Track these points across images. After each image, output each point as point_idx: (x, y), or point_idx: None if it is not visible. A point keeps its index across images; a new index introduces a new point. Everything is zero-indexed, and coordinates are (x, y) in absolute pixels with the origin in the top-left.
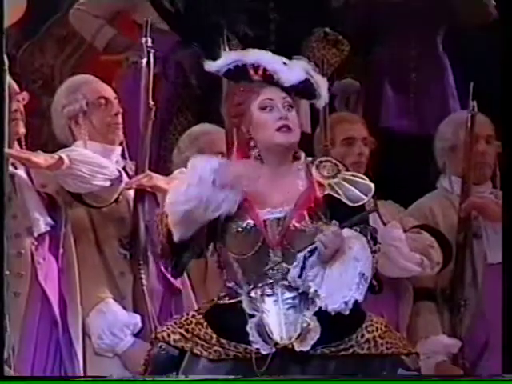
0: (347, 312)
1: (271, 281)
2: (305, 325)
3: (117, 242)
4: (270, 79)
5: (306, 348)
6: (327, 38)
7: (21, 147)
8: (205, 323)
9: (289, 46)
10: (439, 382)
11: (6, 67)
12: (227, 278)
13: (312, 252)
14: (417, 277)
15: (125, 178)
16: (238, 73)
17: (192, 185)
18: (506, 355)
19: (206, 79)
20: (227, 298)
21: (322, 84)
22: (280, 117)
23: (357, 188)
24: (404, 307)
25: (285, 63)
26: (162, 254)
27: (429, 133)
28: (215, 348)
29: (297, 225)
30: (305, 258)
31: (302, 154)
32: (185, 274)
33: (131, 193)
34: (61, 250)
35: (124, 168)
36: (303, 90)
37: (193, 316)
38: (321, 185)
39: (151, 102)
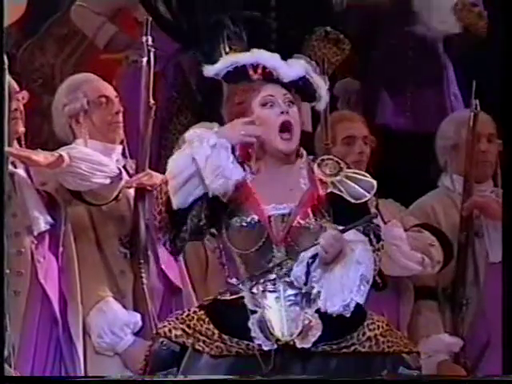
0: (348, 315)
1: (273, 277)
2: (306, 322)
3: (117, 240)
4: (269, 76)
5: (307, 345)
6: (328, 37)
7: (20, 146)
8: (206, 319)
9: (290, 45)
10: (439, 382)
11: (6, 66)
12: (229, 274)
13: (314, 258)
14: (418, 275)
15: (125, 175)
16: (238, 74)
17: (191, 154)
18: (506, 355)
19: (206, 79)
20: (229, 294)
21: (321, 85)
22: (281, 111)
23: (359, 185)
24: (405, 306)
25: (284, 60)
26: (160, 226)
27: (429, 131)
28: (217, 344)
29: (301, 222)
30: (308, 264)
31: (304, 153)
32: (185, 273)
33: (131, 191)
34: (61, 249)
35: (124, 167)
36: (303, 87)
37: (194, 312)
38: (323, 183)
39: (151, 101)
